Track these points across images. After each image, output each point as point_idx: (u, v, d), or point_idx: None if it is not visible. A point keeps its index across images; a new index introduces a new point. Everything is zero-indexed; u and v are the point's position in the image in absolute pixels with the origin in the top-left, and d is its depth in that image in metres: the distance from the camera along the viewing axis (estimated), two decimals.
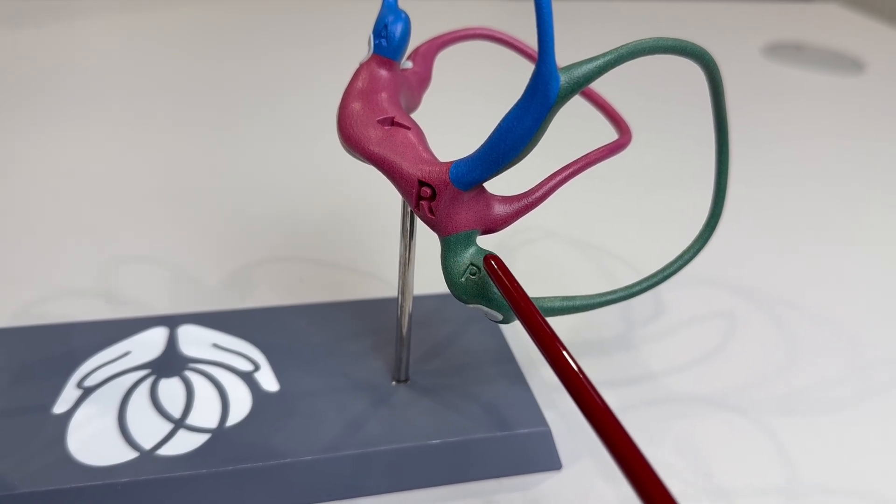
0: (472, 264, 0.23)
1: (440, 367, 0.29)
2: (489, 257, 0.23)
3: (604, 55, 0.21)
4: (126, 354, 0.29)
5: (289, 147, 0.50)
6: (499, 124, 0.21)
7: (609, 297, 0.26)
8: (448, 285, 0.24)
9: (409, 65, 0.27)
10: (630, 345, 0.34)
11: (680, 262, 0.27)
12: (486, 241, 0.41)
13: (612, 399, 0.31)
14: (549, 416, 0.30)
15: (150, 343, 0.29)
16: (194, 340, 0.30)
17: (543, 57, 0.20)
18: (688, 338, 0.35)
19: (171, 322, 0.30)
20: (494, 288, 0.23)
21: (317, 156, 0.49)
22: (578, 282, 0.38)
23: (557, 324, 0.34)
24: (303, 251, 0.39)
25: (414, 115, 0.28)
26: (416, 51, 0.28)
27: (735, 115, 0.59)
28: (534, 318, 0.21)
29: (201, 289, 0.36)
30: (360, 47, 0.31)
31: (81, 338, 0.29)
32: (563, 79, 0.20)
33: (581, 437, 0.29)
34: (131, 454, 0.25)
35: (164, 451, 0.25)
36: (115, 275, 0.36)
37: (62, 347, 0.29)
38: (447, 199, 0.23)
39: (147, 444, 0.25)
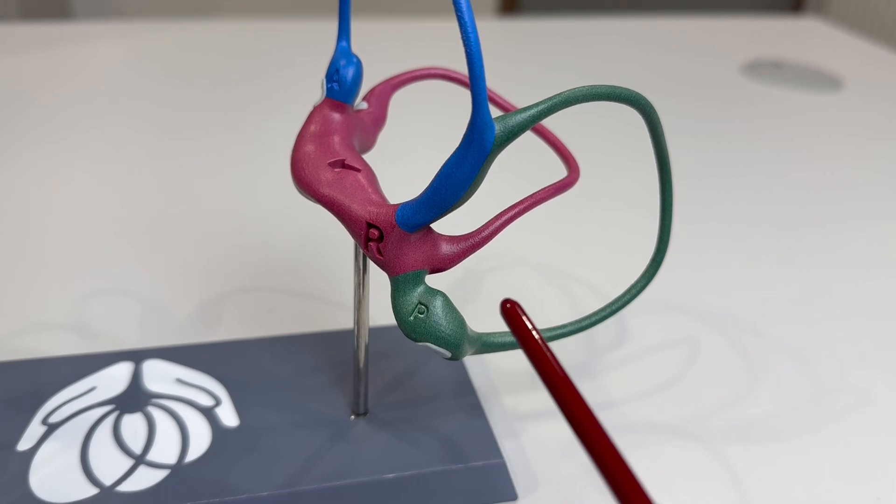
0: (420, 303, 0.24)
1: (400, 400, 0.30)
2: (506, 301, 0.21)
3: (538, 104, 0.21)
4: (91, 390, 0.29)
5: (260, 178, 0.50)
6: (439, 171, 0.22)
7: (559, 332, 0.27)
8: (398, 323, 0.24)
9: (363, 106, 0.28)
10: (592, 372, 0.35)
11: (626, 298, 0.27)
12: (461, 267, 0.42)
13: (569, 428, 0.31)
14: (509, 446, 0.30)
15: (114, 378, 0.30)
16: (158, 375, 0.30)
17: (477, 108, 0.20)
18: (650, 365, 0.35)
19: (137, 357, 0.31)
20: (442, 327, 0.24)
21: (288, 187, 0.49)
22: (545, 309, 0.39)
23: (519, 352, 0.35)
24: (273, 282, 0.39)
25: (373, 154, 0.29)
26: (371, 91, 0.28)
27: (712, 136, 0.60)
28: (553, 374, 0.20)
29: (171, 321, 0.36)
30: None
31: (48, 374, 0.30)
32: (498, 128, 0.21)
33: (539, 467, 0.29)
34: (92, 490, 0.26)
35: (124, 487, 0.26)
36: (86, 308, 0.37)
37: (29, 384, 0.30)
38: (394, 240, 0.24)
39: (108, 481, 0.26)
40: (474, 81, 0.20)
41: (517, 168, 0.44)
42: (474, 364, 0.34)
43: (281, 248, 0.42)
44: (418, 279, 0.24)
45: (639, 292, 0.27)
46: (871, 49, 0.84)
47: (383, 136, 0.29)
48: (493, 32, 0.84)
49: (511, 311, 0.20)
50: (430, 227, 0.24)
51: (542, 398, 0.33)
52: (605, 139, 0.58)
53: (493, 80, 0.22)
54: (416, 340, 0.24)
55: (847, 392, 0.34)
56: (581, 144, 0.56)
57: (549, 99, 0.21)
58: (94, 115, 0.58)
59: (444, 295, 0.24)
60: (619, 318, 0.38)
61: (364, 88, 0.29)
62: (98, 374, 0.30)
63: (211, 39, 0.75)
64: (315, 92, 0.53)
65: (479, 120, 0.21)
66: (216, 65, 0.69)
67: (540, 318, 0.36)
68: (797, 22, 0.92)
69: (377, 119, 0.28)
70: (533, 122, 0.21)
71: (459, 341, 0.24)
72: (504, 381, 0.34)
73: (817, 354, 0.37)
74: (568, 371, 0.35)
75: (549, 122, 0.30)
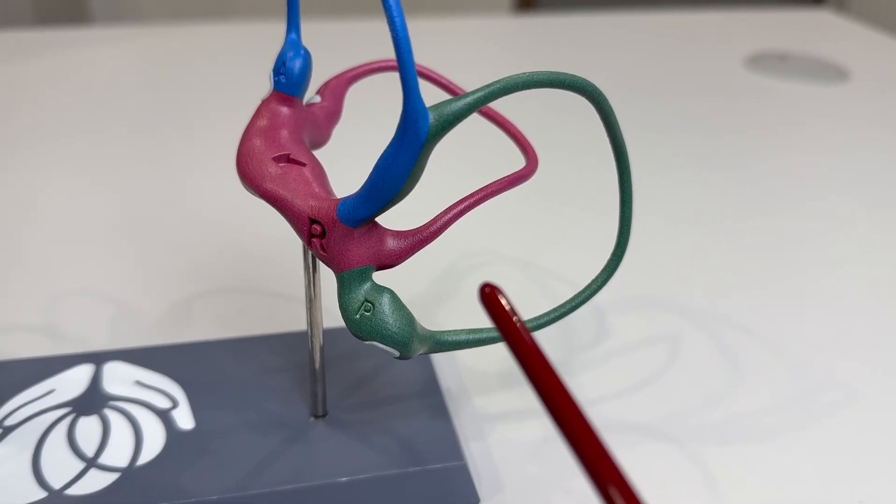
0: (366, 300, 0.23)
1: (361, 401, 0.29)
2: (485, 286, 0.19)
3: (474, 92, 0.20)
4: (49, 393, 0.29)
5: (235, 178, 0.50)
6: (376, 163, 0.21)
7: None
8: (344, 322, 0.24)
9: (316, 99, 0.27)
10: (568, 370, 0.34)
11: (587, 293, 0.26)
12: (438, 265, 0.41)
13: (542, 428, 0.30)
14: (476, 448, 0.29)
15: (74, 381, 0.30)
16: (118, 378, 0.30)
17: (408, 96, 0.20)
18: (629, 363, 0.34)
19: (98, 359, 0.31)
20: (389, 325, 0.23)
21: None
22: (524, 307, 0.38)
23: (493, 350, 0.34)
24: (246, 283, 0.39)
25: (330, 148, 0.28)
26: (325, 85, 0.28)
27: (715, 130, 0.58)
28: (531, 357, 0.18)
29: (142, 323, 0.36)
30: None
31: (8, 376, 0.30)
32: (433, 117, 0.20)
33: (505, 469, 0.29)
34: (41, 494, 0.25)
35: (73, 490, 0.25)
36: (57, 310, 0.36)
37: None
38: (337, 235, 0.23)
39: (57, 484, 0.25)
40: (403, 68, 0.19)
41: (482, 160, 0.43)
42: (444, 364, 0.34)
43: (256, 248, 0.42)
44: (364, 276, 0.23)
45: (599, 287, 0.26)
46: (879, 39, 0.82)
47: (340, 132, 0.29)
48: (509, 30, 0.83)
49: (490, 295, 0.19)
50: (376, 223, 0.23)
51: (513, 398, 0.32)
52: (587, 134, 0.57)
53: (426, 94, 0.21)
54: (362, 339, 0.23)
55: (833, 390, 0.33)
56: (563, 141, 0.55)
57: (488, 86, 0.20)
58: (93, 118, 0.58)
59: (391, 292, 0.23)
60: (599, 315, 0.37)
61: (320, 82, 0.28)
62: (58, 376, 0.30)
63: (225, 42, 0.75)
64: None
65: (411, 109, 0.20)
66: (227, 66, 0.69)
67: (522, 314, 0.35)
68: (802, 13, 0.90)
69: (331, 113, 0.27)
70: (470, 110, 0.20)
71: (407, 340, 0.23)
72: (475, 380, 0.33)
73: (804, 352, 0.35)
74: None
75: (520, 117, 0.29)
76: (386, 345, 0.23)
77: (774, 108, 0.63)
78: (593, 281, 0.26)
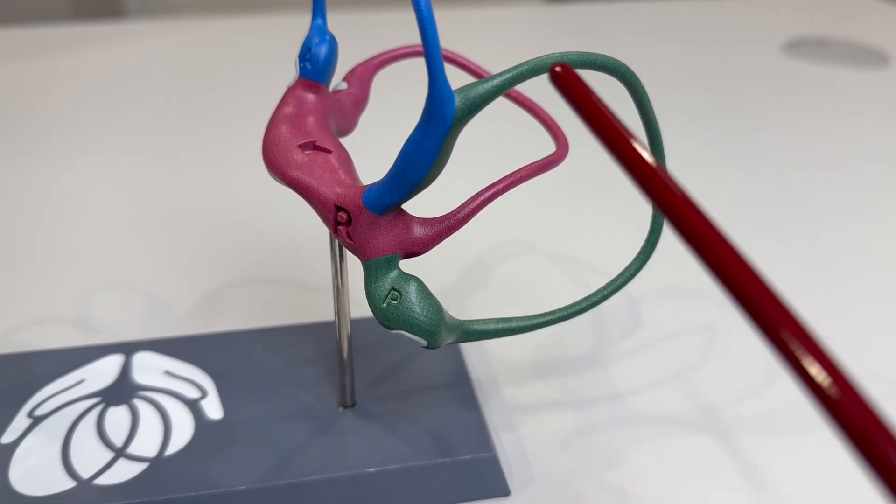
0: (393, 289, 0.23)
1: (391, 391, 0.29)
2: (556, 64, 0.16)
3: (501, 74, 0.20)
4: (80, 383, 0.29)
5: (264, 170, 0.50)
6: (402, 148, 0.21)
7: (547, 318, 0.25)
8: (371, 310, 0.23)
9: (343, 86, 0.27)
10: (601, 362, 0.33)
11: (620, 281, 0.26)
12: (467, 255, 0.41)
13: (574, 420, 0.30)
14: (506, 439, 0.29)
15: (104, 371, 0.30)
16: (147, 368, 0.30)
17: (434, 79, 0.19)
18: (663, 354, 0.34)
19: (128, 349, 0.31)
20: (416, 313, 0.23)
21: None
22: (556, 297, 0.37)
23: (524, 340, 0.33)
24: (276, 272, 0.39)
25: (358, 135, 0.28)
26: (351, 71, 0.27)
27: (753, 117, 0.57)
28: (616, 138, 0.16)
29: (172, 313, 0.36)
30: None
31: (40, 366, 0.30)
32: (459, 100, 0.20)
33: (537, 461, 0.28)
34: (70, 483, 0.25)
35: (102, 480, 0.25)
36: (88, 302, 0.36)
37: (19, 377, 0.29)
38: (363, 223, 0.23)
39: (86, 474, 0.25)
40: (428, 49, 0.19)
41: (511, 145, 0.43)
42: (474, 353, 0.33)
43: (285, 238, 0.42)
44: (391, 264, 0.23)
45: (631, 277, 0.26)
46: None
47: (367, 119, 0.28)
48: (541, 19, 0.82)
49: (564, 74, 0.16)
50: (402, 209, 0.23)
51: (544, 389, 0.31)
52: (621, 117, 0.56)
53: (454, 79, 0.20)
54: (389, 328, 0.23)
55: (875, 382, 0.32)
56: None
57: (516, 67, 0.20)
58: (125, 111, 0.58)
59: (418, 280, 0.23)
60: (632, 305, 0.36)
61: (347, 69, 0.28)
62: (88, 366, 0.30)
63: (257, 35, 0.75)
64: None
65: (436, 92, 0.19)
66: (259, 59, 0.69)
67: (550, 307, 0.35)
68: None
69: (358, 100, 0.27)
70: (497, 92, 0.20)
71: (435, 329, 0.23)
72: (505, 370, 0.32)
73: (845, 344, 0.34)
74: (575, 360, 0.33)
75: (552, 100, 0.29)
76: (413, 334, 0.23)
77: (814, 94, 0.62)
78: (626, 269, 0.26)
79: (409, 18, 0.77)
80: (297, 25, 0.74)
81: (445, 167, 0.21)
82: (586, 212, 0.45)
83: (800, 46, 0.70)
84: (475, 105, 0.20)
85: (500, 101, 0.28)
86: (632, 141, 0.15)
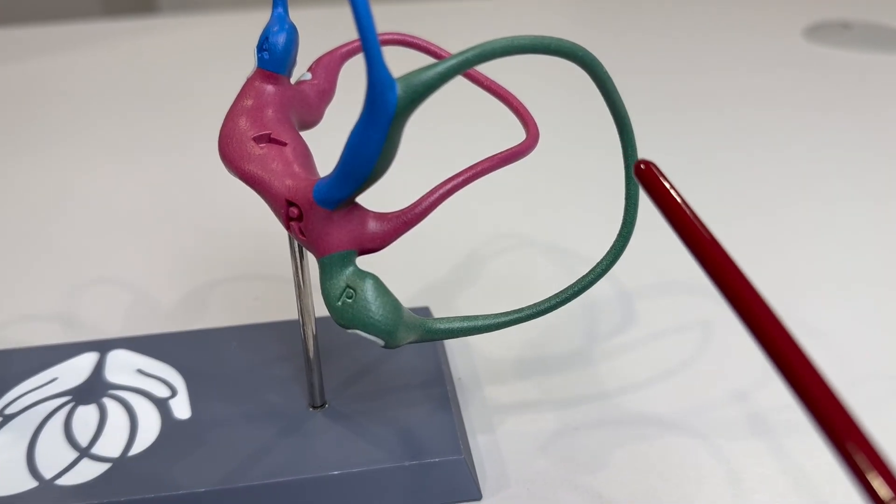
0: (347, 286, 0.22)
1: (363, 391, 0.28)
2: (640, 162, 0.18)
3: (447, 60, 0.19)
4: (52, 381, 0.29)
5: None
6: (347, 140, 0.20)
7: (514, 317, 0.24)
8: (327, 309, 0.22)
9: (307, 77, 0.26)
10: (589, 360, 0.32)
11: (591, 276, 0.24)
12: (464, 245, 0.40)
13: (555, 421, 0.29)
14: (482, 440, 0.28)
15: (77, 369, 0.29)
16: (120, 366, 0.29)
17: (370, 65, 0.18)
18: (654, 351, 0.32)
19: (104, 347, 0.30)
20: (371, 312, 0.22)
21: None
22: (548, 291, 0.36)
23: (511, 337, 0.32)
24: (263, 269, 0.38)
25: (318, 131, 0.27)
26: (317, 62, 0.27)
27: (775, 104, 0.55)
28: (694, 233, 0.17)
29: (158, 311, 0.35)
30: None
31: (15, 364, 0.30)
32: (400, 88, 0.19)
33: (512, 463, 0.27)
34: (32, 483, 0.25)
35: (63, 480, 0.25)
36: (75, 299, 0.36)
37: None
38: (315, 218, 0.22)
39: (49, 474, 0.25)
40: (364, 35, 0.18)
41: (487, 135, 0.41)
42: (457, 351, 0.32)
43: (277, 234, 0.41)
44: (346, 261, 0.22)
45: (603, 272, 0.25)
46: None
47: (334, 111, 0.27)
48: (562, 7, 0.81)
49: (647, 171, 0.18)
50: (357, 204, 0.22)
51: (527, 388, 0.30)
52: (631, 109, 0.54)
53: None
54: (345, 327, 0.22)
55: (877, 382, 0.31)
56: (599, 115, 0.53)
57: (463, 52, 0.19)
58: (94, 109, 0.58)
59: (374, 277, 0.22)
60: (626, 300, 0.35)
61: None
62: (62, 364, 0.29)
63: (226, 31, 0.74)
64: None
65: (375, 79, 0.18)
66: (221, 59, 0.68)
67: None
68: None
69: (323, 91, 0.26)
70: (442, 79, 0.19)
71: (391, 328, 0.22)
72: (489, 369, 0.31)
73: (847, 342, 0.33)
74: (562, 358, 0.32)
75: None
76: (369, 333, 0.22)
77: (837, 80, 0.60)
78: (598, 264, 0.25)
79: (387, 12, 0.76)
80: (332, 19, 0.74)
81: (396, 158, 0.20)
82: (585, 204, 0.44)
83: (822, 30, 0.67)
84: (418, 93, 0.19)
85: (470, 86, 0.27)
86: (716, 244, 0.16)
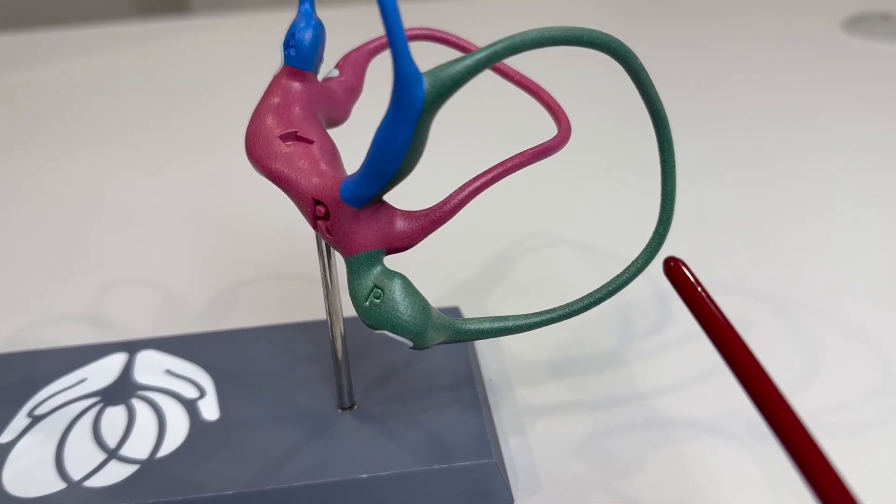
0: (375, 286, 0.22)
1: (393, 392, 0.28)
2: (670, 259, 0.20)
3: (476, 53, 0.18)
4: (82, 381, 0.29)
5: None
6: (374, 137, 0.19)
7: (546, 317, 0.23)
8: (355, 310, 0.22)
9: (335, 73, 0.26)
10: (622, 361, 0.31)
11: (626, 276, 0.24)
12: (493, 243, 0.39)
13: (589, 423, 0.28)
14: (514, 444, 0.27)
15: (106, 370, 0.29)
16: (149, 366, 0.29)
17: (397, 60, 0.18)
18: (690, 352, 0.31)
19: (133, 348, 0.30)
20: (400, 312, 0.21)
21: None
22: (579, 291, 0.36)
23: (542, 337, 0.32)
24: (291, 268, 0.38)
25: (345, 128, 0.27)
26: (344, 58, 0.26)
27: (813, 99, 0.54)
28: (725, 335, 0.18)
29: (187, 311, 0.35)
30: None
31: (44, 365, 0.30)
32: (427, 83, 0.18)
33: (545, 467, 0.27)
34: (60, 485, 0.25)
35: (92, 482, 0.25)
36: (105, 299, 0.36)
37: (23, 375, 0.29)
38: (342, 217, 0.21)
39: (77, 475, 0.25)
40: (390, 27, 0.17)
41: (519, 130, 0.40)
42: (488, 352, 0.32)
43: (305, 234, 0.41)
44: (373, 260, 0.22)
45: (639, 270, 0.24)
46: None
47: (361, 108, 0.27)
48: (604, 2, 0.80)
49: (675, 268, 0.19)
50: (384, 202, 0.22)
51: (560, 389, 0.30)
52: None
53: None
54: (373, 328, 0.22)
55: None
56: (636, 109, 0.51)
57: (492, 45, 0.18)
58: (119, 108, 0.58)
59: (402, 277, 0.22)
60: (661, 300, 0.34)
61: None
62: (91, 365, 0.29)
63: (248, 31, 0.74)
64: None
65: (402, 74, 0.18)
66: (246, 60, 0.68)
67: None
68: None
69: (350, 88, 0.26)
70: (470, 73, 0.18)
71: (420, 329, 0.22)
72: (520, 369, 0.31)
73: (893, 341, 0.32)
74: (596, 359, 0.31)
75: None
76: (397, 334, 0.22)
77: (877, 73, 0.58)
78: (633, 262, 0.24)
79: (412, 10, 0.75)
80: (359, 16, 0.73)
81: (424, 155, 0.20)
82: (615, 201, 0.43)
83: (862, 23, 0.66)
84: (446, 88, 0.18)
85: (500, 81, 0.27)
86: (740, 342, 0.17)
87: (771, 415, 0.16)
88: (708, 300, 0.18)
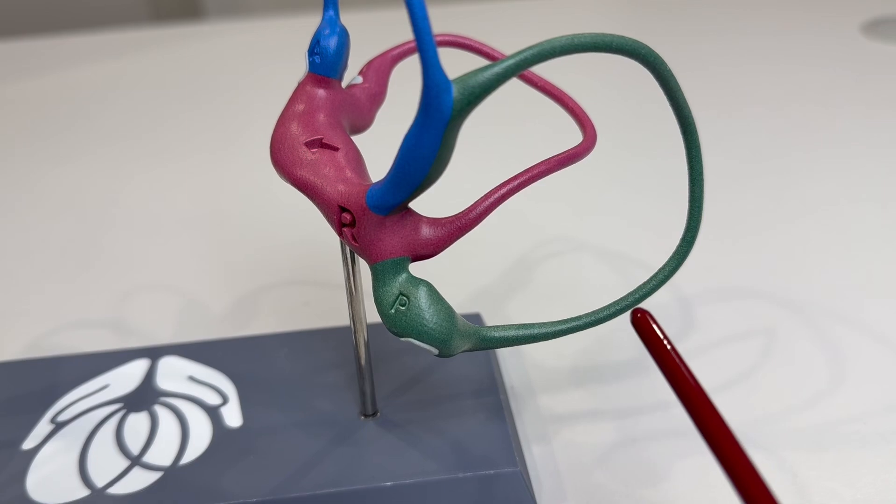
0: (401, 294, 0.21)
1: (415, 400, 0.27)
2: (637, 311, 0.20)
3: (505, 60, 0.18)
4: (104, 388, 0.29)
5: None
6: (401, 144, 0.19)
7: (572, 325, 0.23)
8: (380, 317, 0.22)
9: (358, 80, 0.26)
10: (646, 368, 0.31)
11: (653, 283, 0.24)
12: (515, 249, 0.39)
13: (613, 431, 0.28)
14: (538, 452, 0.27)
15: (128, 376, 0.29)
16: (172, 372, 0.29)
17: (426, 67, 0.18)
18: (717, 360, 0.31)
19: (155, 354, 0.30)
20: (425, 320, 0.21)
21: None
22: (605, 299, 0.35)
23: (564, 345, 0.31)
24: (313, 275, 0.38)
25: (368, 135, 0.27)
26: (368, 65, 0.26)
27: (831, 103, 0.53)
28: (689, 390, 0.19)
29: (208, 317, 0.35)
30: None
31: (67, 371, 0.30)
32: (456, 90, 0.18)
33: (569, 476, 0.26)
34: (83, 492, 0.25)
35: (115, 489, 0.25)
36: (125, 305, 0.36)
37: (46, 381, 0.29)
38: (368, 224, 0.21)
39: (100, 482, 0.25)
40: (419, 36, 0.17)
41: (541, 137, 0.40)
42: (510, 359, 0.31)
43: (327, 239, 0.41)
44: (399, 267, 0.22)
45: (667, 277, 0.24)
46: None
47: (385, 114, 0.27)
48: (613, 4, 0.80)
49: (642, 320, 0.20)
50: (410, 209, 0.22)
51: (583, 397, 0.30)
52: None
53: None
54: (398, 336, 0.22)
55: None
56: (651, 114, 0.51)
57: (521, 52, 0.18)
58: (142, 116, 0.58)
59: (428, 284, 0.22)
60: (685, 307, 0.34)
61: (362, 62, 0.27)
62: (113, 371, 0.29)
63: (269, 35, 0.74)
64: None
65: (431, 82, 0.18)
66: (268, 66, 0.68)
67: (594, 307, 0.33)
68: None
69: (374, 95, 0.26)
70: (499, 80, 0.18)
71: (446, 336, 0.21)
72: (542, 377, 0.31)
73: None
74: (617, 367, 0.31)
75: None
76: (423, 342, 0.21)
77: None
78: (660, 270, 0.24)
79: (435, 15, 0.75)
80: (382, 22, 0.74)
81: (451, 162, 0.20)
82: (639, 207, 0.42)
83: (880, 26, 0.65)
84: (475, 95, 0.18)
85: (524, 88, 0.26)
86: (703, 395, 0.19)
87: (731, 469, 0.18)
88: (673, 353, 0.19)
